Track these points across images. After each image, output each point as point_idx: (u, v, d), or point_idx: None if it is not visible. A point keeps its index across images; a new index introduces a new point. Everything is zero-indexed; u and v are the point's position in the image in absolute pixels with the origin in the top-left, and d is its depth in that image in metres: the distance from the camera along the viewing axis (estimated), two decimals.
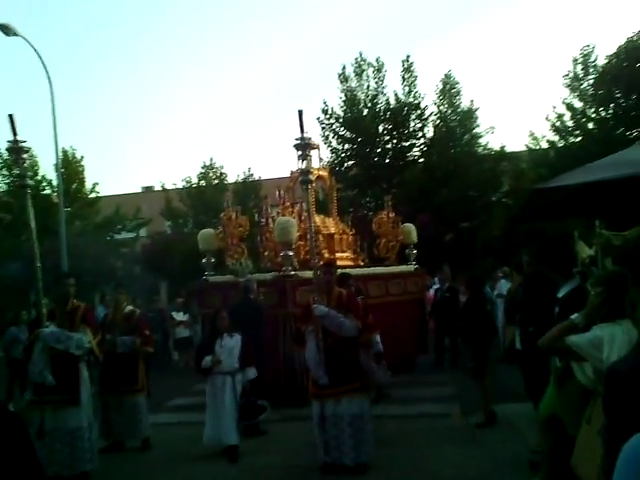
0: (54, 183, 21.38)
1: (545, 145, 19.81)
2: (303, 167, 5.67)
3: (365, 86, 20.90)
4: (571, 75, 19.26)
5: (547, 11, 50.08)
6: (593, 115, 18.91)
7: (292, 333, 6.39)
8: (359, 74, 20.94)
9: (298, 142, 5.56)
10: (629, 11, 43.79)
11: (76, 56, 52.95)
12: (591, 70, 18.93)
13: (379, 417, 6.14)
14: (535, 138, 20.17)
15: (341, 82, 20.94)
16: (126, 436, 6.32)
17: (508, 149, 20.79)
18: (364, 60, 20.89)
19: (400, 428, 6.41)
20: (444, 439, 5.97)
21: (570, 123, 19.27)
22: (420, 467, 5.21)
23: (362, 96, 20.87)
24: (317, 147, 11.31)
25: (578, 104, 19.27)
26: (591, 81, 18.89)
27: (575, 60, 19.24)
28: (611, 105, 18.49)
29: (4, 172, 21.95)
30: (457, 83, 20.83)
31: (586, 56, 19.10)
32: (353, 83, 21.06)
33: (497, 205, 19.15)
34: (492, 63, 51.17)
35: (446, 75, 20.90)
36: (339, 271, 7.89)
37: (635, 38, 18.32)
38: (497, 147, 20.52)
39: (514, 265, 7.62)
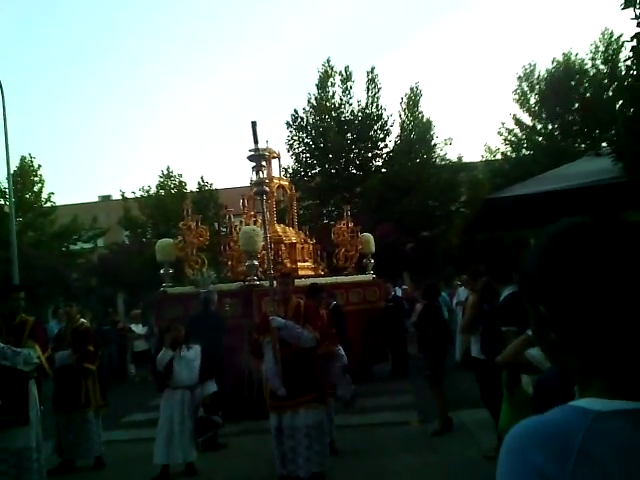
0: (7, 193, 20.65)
1: (500, 157, 20.50)
2: (256, 179, 5.66)
3: (330, 94, 20.99)
4: (518, 91, 20.06)
5: (496, 26, 51.77)
6: (541, 129, 19.70)
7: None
8: (325, 81, 21.01)
9: (252, 153, 5.54)
10: (566, 26, 45.75)
11: (32, 62, 51.53)
12: (536, 86, 19.73)
13: (338, 427, 6.14)
14: (490, 151, 20.82)
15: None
16: (77, 455, 6.09)
17: (465, 160, 21.36)
18: (331, 67, 21.00)
19: (359, 437, 6.43)
20: (402, 447, 6.01)
21: (520, 136, 20.04)
22: (378, 476, 5.23)
23: (328, 104, 20.96)
24: (277, 156, 11.34)
25: (527, 119, 20.06)
26: (536, 97, 19.71)
27: (519, 77, 20.06)
28: (556, 120, 19.30)
29: None
30: (420, 95, 21.18)
31: (529, 73, 19.94)
32: (319, 90, 21.13)
33: (456, 215, 19.63)
34: (449, 76, 52.48)
35: (411, 88, 21.21)
36: (310, 281, 7.90)
37: (568, 55, 19.26)
38: (454, 158, 21.05)
39: (470, 272, 7.79)
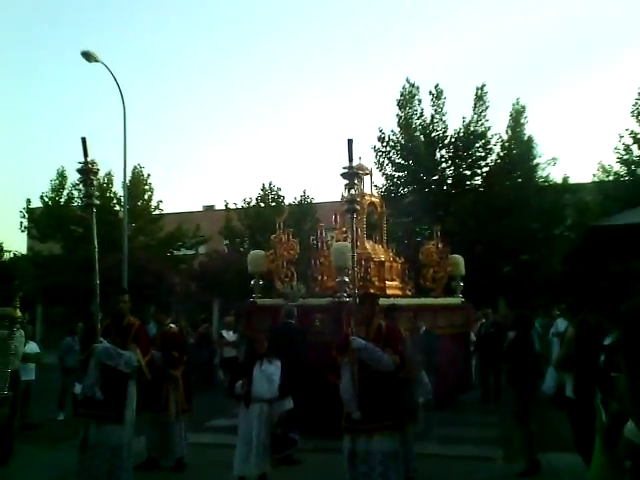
0: (122, 200, 22.34)
1: (612, 178, 18.97)
2: (348, 196, 5.64)
3: (419, 112, 20.78)
4: (638, 107, 18.48)
5: (616, 39, 48.36)
6: None
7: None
8: (409, 100, 20.82)
9: (345, 171, 5.55)
10: None
11: (149, 79, 55.92)
12: None
13: (417, 455, 5.92)
14: (604, 170, 19.36)
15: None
16: (160, 454, 6.39)
17: (572, 180, 20.01)
18: (412, 85, 20.84)
19: (438, 469, 6.17)
20: None
21: (639, 152, 18.39)
22: None
23: (417, 122, 20.71)
24: (369, 173, 11.31)
25: None
26: None
27: None
28: None
29: (81, 187, 23.16)
30: (524, 112, 20.19)
31: None
32: (408, 109, 20.94)
33: (559, 239, 18.41)
34: (557, 93, 49.79)
35: (514, 105, 20.28)
36: (390, 300, 7.75)
37: None
38: (559, 178, 19.78)
39: (570, 304, 7.26)
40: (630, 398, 0.68)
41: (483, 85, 20.45)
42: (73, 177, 24.40)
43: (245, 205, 26.29)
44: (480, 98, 20.40)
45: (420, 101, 20.67)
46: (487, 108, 20.37)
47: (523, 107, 20.18)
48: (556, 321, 11.11)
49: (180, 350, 6.58)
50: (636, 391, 0.65)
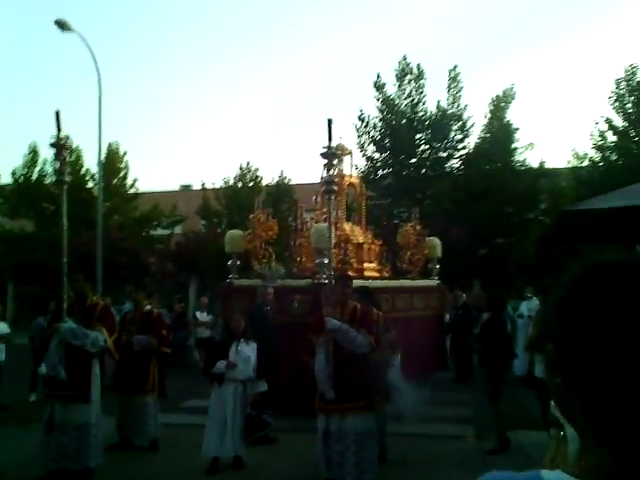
0: (97, 177, 21.91)
1: (587, 163, 19.28)
2: (326, 177, 5.60)
3: (406, 92, 20.64)
4: (614, 95, 18.75)
5: (597, 28, 48.69)
6: (635, 137, 18.32)
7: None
8: (401, 78, 20.65)
9: (325, 151, 5.50)
10: None
11: (125, 54, 54.53)
12: (635, 90, 18.38)
13: (390, 434, 6.01)
14: (578, 156, 19.62)
15: (377, 90, 20.72)
16: (134, 435, 6.35)
17: (548, 165, 20.25)
18: (407, 64, 20.63)
19: (410, 448, 6.25)
20: (454, 463, 5.78)
21: (613, 138, 18.70)
22: None
23: (404, 102, 20.60)
24: (349, 154, 11.24)
25: (621, 123, 18.70)
26: (634, 101, 18.34)
27: (618, 80, 18.72)
28: None
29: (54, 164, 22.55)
30: (513, 98, 20.19)
31: (630, 75, 18.57)
32: (393, 89, 20.82)
33: (534, 223, 18.70)
34: (538, 78, 50.07)
35: (504, 91, 20.28)
36: (360, 283, 7.76)
37: None
38: (536, 164, 20.01)
39: (540, 286, 7.40)
40: (557, 399, 0.70)
41: (455, 66, 20.43)
42: (46, 153, 23.85)
43: (223, 185, 26.04)
44: (454, 79, 20.36)
45: (410, 81, 20.53)
46: (461, 89, 20.38)
47: (513, 92, 20.17)
48: (523, 303, 11.29)
49: (167, 330, 6.70)
50: (562, 391, 0.67)
